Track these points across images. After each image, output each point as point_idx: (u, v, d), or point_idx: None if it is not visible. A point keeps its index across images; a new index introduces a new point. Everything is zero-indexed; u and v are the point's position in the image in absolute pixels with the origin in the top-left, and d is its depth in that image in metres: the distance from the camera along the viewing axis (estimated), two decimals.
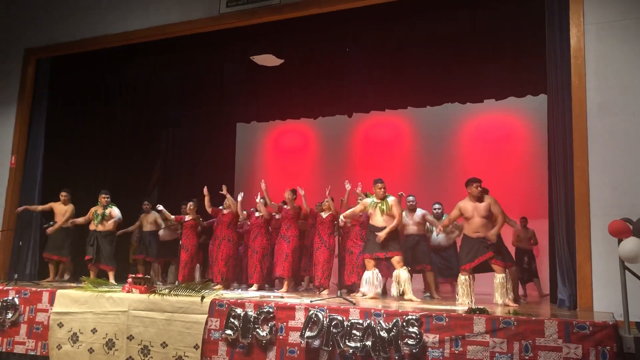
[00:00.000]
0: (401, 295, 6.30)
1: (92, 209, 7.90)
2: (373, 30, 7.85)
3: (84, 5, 8.63)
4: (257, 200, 7.81)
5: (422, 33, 7.80)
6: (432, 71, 8.44)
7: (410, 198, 7.43)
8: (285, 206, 7.76)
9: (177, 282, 7.54)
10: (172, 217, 8.43)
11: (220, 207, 8.24)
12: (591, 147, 5.66)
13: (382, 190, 6.56)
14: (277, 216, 7.76)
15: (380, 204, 6.56)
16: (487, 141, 10.24)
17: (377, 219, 6.55)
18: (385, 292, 6.64)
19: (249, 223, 8.18)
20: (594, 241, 5.50)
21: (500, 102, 8.89)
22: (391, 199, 6.57)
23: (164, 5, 7.99)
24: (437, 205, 7.79)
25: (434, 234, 7.53)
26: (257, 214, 7.85)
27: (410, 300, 6.18)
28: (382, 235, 6.37)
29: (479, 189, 6.04)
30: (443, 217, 7.70)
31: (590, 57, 5.80)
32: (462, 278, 6.02)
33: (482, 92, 8.64)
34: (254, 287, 7.59)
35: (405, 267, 6.38)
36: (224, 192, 7.97)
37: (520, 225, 8.56)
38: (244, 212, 8.00)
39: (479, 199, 6.04)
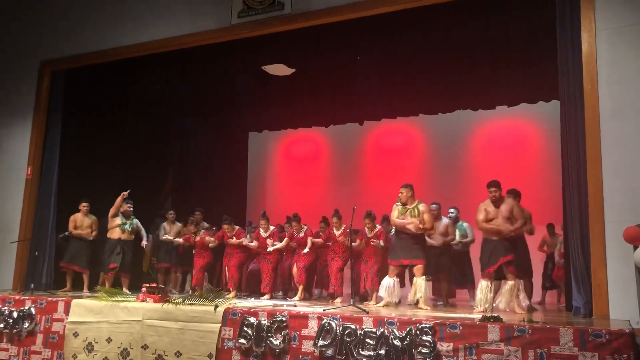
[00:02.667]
0: (415, 303, 6.28)
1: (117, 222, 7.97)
2: (384, 38, 7.86)
3: (98, 18, 8.75)
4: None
5: (433, 40, 7.80)
6: (444, 78, 8.45)
7: (434, 206, 7.33)
8: (301, 235, 7.76)
9: (190, 289, 7.58)
10: (181, 240, 8.53)
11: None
12: (604, 152, 5.61)
13: (404, 195, 6.49)
14: (292, 244, 7.80)
15: (410, 210, 6.49)
16: (499, 148, 10.20)
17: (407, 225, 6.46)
18: (399, 302, 6.60)
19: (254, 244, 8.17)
20: (608, 248, 5.44)
21: (512, 109, 8.87)
22: (423, 206, 6.50)
23: (177, 16, 8.07)
24: (452, 210, 7.74)
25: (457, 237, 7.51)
26: (262, 234, 7.91)
27: (421, 308, 6.16)
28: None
29: (495, 195, 6.03)
30: (458, 223, 7.67)
31: (602, 62, 5.77)
32: (483, 284, 5.98)
33: (494, 99, 8.64)
34: (266, 296, 7.61)
35: (425, 277, 6.36)
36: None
37: (547, 232, 8.53)
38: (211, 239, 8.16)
39: (497, 203, 6.02)
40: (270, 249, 7.69)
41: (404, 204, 6.53)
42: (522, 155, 10.02)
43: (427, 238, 6.87)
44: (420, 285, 6.30)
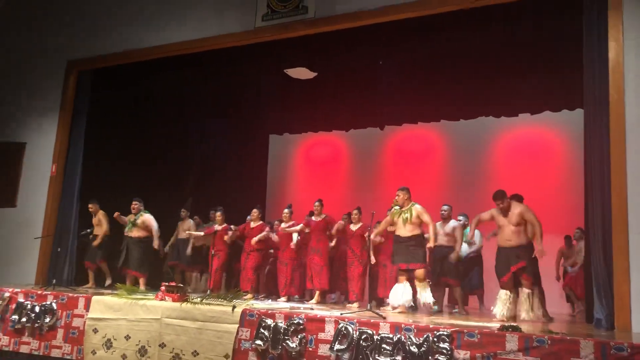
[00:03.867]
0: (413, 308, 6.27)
1: (124, 219, 8.11)
2: (406, 43, 7.84)
3: (124, 19, 8.88)
4: (285, 211, 7.91)
5: (456, 46, 7.76)
6: (466, 84, 8.40)
7: (445, 207, 7.32)
8: (313, 218, 7.76)
9: (208, 289, 7.63)
10: (201, 233, 8.58)
11: (248, 218, 8.34)
12: (629, 162, 5.53)
13: (400, 197, 6.48)
14: (306, 230, 7.76)
15: (403, 213, 6.46)
16: (521, 155, 10.09)
17: (401, 228, 6.45)
18: (417, 307, 6.56)
19: (274, 236, 8.25)
20: (632, 259, 5.35)
21: (536, 116, 8.77)
22: (418, 207, 6.45)
23: (202, 19, 8.16)
24: (461, 217, 7.68)
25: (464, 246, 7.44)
26: (282, 225, 7.88)
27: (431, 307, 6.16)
28: (431, 244, 6.29)
29: (501, 206, 6.00)
30: (466, 229, 7.61)
31: (629, 71, 5.69)
32: (502, 293, 5.95)
33: (517, 106, 8.56)
34: (283, 298, 7.63)
35: (426, 281, 6.32)
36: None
37: (564, 244, 8.44)
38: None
39: (505, 213, 5.99)
40: (286, 228, 7.77)
41: (400, 207, 6.50)
42: (544, 164, 9.90)
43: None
44: (418, 290, 6.29)
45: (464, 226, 7.58)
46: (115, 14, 8.99)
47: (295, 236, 7.79)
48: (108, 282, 8.27)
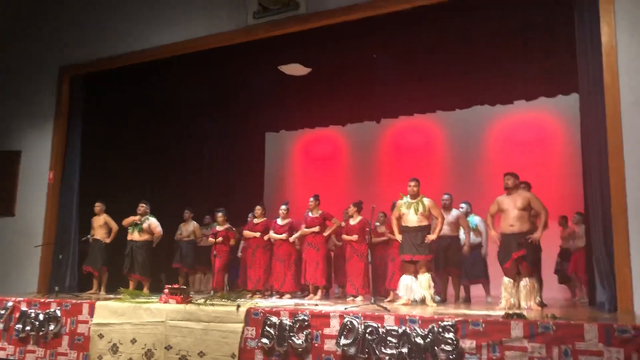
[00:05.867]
0: (422, 302, 6.27)
1: (131, 218, 8.07)
2: (400, 36, 7.83)
3: (114, 23, 8.84)
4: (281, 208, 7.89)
5: (449, 36, 7.77)
6: (461, 74, 8.42)
7: (446, 197, 7.35)
8: (309, 214, 7.74)
9: (212, 290, 7.63)
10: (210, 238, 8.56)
11: (249, 216, 8.32)
12: (626, 145, 5.54)
13: (414, 188, 6.48)
14: (303, 226, 7.76)
15: (414, 204, 6.48)
16: (518, 142, 10.11)
17: (411, 219, 6.45)
18: (424, 300, 6.55)
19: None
20: (632, 242, 5.38)
21: (531, 103, 8.78)
22: (428, 200, 6.47)
23: (193, 19, 8.13)
24: (463, 205, 7.69)
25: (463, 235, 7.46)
26: (279, 222, 7.87)
27: (428, 305, 6.16)
28: (433, 237, 6.31)
29: (509, 183, 6.01)
30: (469, 217, 7.62)
31: (623, 54, 5.69)
32: (505, 280, 5.97)
33: (511, 93, 8.57)
34: (287, 295, 7.63)
35: (427, 273, 6.33)
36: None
37: (559, 224, 8.47)
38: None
39: (511, 192, 5.99)
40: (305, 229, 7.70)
41: (411, 198, 6.51)
42: (541, 149, 9.93)
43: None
44: (421, 282, 6.29)
45: (467, 214, 7.60)
46: (106, 18, 8.94)
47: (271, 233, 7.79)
48: (102, 291, 8.17)
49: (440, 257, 7.13)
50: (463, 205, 7.67)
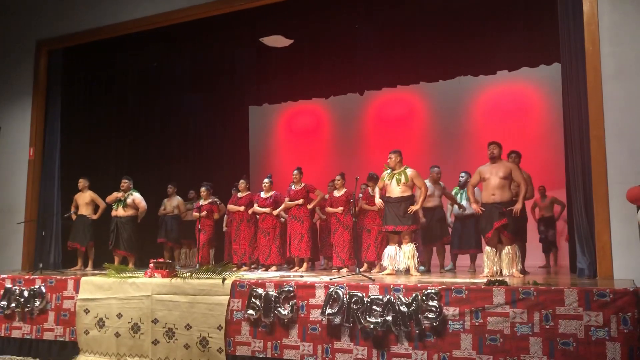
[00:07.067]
0: (406, 271, 6.34)
1: (114, 195, 8.01)
2: (382, 6, 7.75)
3: None
4: (265, 181, 7.85)
5: (432, 6, 7.70)
6: (443, 45, 8.37)
7: (435, 169, 7.38)
8: (292, 187, 7.73)
9: (197, 264, 7.63)
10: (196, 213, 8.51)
11: (233, 190, 8.29)
12: (607, 114, 5.59)
13: (395, 160, 6.50)
14: (286, 198, 7.74)
15: (397, 175, 6.50)
16: (501, 113, 10.18)
17: (394, 189, 6.46)
18: (408, 269, 6.61)
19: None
20: (612, 209, 5.47)
21: (514, 73, 8.79)
22: (411, 170, 6.49)
23: None
24: (463, 174, 7.68)
25: (455, 207, 7.52)
26: (262, 195, 7.84)
27: (412, 275, 6.23)
28: (415, 208, 6.34)
29: (492, 152, 6.05)
30: (454, 191, 7.68)
31: (604, 23, 5.70)
32: (487, 249, 6.06)
33: (494, 64, 8.56)
34: (273, 267, 7.66)
35: (410, 243, 6.39)
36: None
37: (538, 194, 8.57)
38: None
39: (495, 161, 6.04)
40: (289, 202, 7.67)
41: (392, 169, 6.54)
42: (524, 119, 10.00)
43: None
44: (405, 252, 6.35)
45: (465, 184, 7.60)
46: None
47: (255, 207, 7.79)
48: (89, 267, 8.14)
49: (437, 227, 7.20)
50: (463, 174, 7.69)
